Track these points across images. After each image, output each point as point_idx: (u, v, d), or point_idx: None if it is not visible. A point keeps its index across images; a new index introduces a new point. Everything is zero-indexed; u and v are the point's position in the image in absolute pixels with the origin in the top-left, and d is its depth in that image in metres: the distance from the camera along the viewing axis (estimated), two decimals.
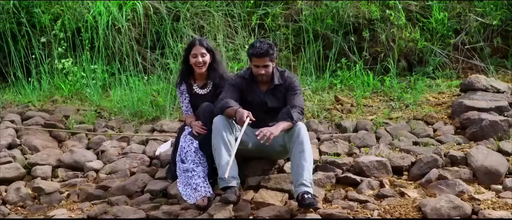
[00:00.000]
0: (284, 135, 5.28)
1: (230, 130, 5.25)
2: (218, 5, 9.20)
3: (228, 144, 5.20)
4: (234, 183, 5.15)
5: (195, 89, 5.87)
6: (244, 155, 5.63)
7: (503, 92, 7.26)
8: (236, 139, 5.19)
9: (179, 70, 6.24)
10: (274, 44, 5.63)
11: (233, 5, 9.24)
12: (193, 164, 5.46)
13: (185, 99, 5.92)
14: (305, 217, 4.90)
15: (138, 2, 8.99)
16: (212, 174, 5.48)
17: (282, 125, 5.18)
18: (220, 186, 5.19)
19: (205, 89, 5.85)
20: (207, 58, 5.75)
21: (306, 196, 4.95)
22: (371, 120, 6.99)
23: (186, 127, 5.79)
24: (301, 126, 5.24)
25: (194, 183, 5.36)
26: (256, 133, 5.06)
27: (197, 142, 5.51)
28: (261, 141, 5.02)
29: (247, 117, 5.12)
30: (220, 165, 5.17)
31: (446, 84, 8.05)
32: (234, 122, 5.28)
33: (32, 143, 6.71)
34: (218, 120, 5.24)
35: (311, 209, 4.99)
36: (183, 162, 5.55)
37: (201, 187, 5.32)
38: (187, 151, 5.53)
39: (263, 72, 5.45)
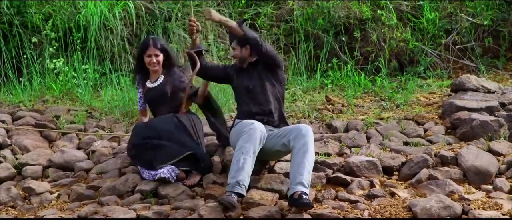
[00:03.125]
0: (289, 134, 5.27)
1: (261, 142, 5.24)
2: (209, 5, 9.19)
3: (255, 154, 5.18)
4: (244, 192, 5.08)
5: (148, 84, 6.08)
6: None
7: (493, 92, 7.29)
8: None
9: (134, 69, 6.43)
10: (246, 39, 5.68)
11: (224, 5, 9.24)
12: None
13: (142, 96, 6.21)
14: (296, 217, 4.89)
15: (130, 2, 8.98)
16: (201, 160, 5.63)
17: (231, 22, 5.56)
18: (229, 188, 5.06)
19: (156, 82, 6.03)
20: (161, 57, 5.98)
21: (304, 196, 4.90)
22: (362, 120, 7.00)
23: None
24: (310, 128, 5.25)
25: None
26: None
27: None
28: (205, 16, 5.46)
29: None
30: (241, 169, 5.07)
31: (437, 84, 8.07)
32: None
33: (23, 143, 6.68)
34: (259, 127, 5.27)
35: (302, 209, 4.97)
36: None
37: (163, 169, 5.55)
38: None
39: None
